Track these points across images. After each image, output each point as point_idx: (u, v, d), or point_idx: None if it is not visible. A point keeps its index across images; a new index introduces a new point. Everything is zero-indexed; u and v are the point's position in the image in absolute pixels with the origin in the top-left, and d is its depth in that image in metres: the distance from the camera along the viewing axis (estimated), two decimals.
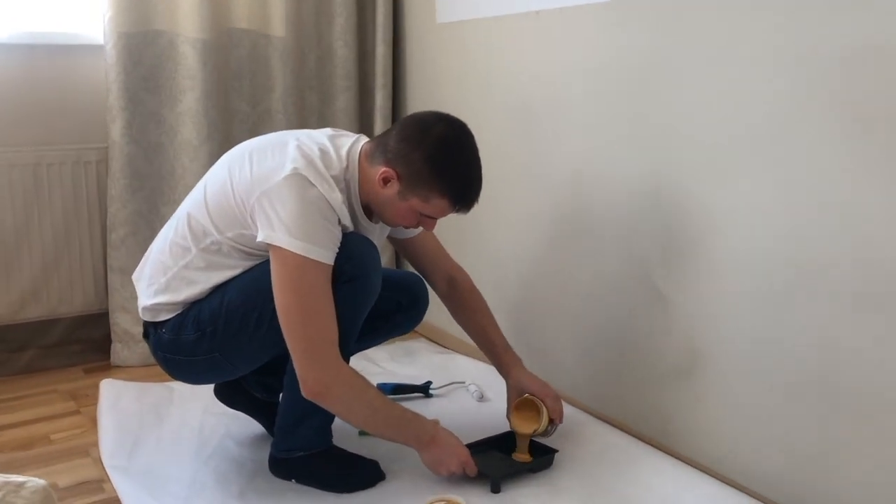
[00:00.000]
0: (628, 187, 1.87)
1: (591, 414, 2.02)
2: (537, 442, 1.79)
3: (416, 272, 1.94)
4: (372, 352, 2.22)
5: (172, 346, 1.66)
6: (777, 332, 1.57)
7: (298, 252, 1.48)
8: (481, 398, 2.15)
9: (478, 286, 1.94)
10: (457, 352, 2.49)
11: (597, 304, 2.01)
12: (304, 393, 1.53)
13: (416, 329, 2.73)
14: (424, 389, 2.18)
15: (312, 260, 1.49)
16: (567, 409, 1.90)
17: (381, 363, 2.40)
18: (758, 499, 1.61)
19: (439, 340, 2.61)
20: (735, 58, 1.59)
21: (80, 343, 2.45)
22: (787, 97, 1.50)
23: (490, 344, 1.90)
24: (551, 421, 1.78)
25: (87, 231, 2.43)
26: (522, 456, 1.77)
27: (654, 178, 1.80)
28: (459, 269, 1.94)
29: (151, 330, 1.70)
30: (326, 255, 1.52)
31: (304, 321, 1.50)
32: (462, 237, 2.38)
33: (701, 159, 1.69)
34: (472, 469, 1.66)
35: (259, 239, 1.52)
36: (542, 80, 2.11)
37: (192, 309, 1.63)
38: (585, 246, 2.02)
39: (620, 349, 1.95)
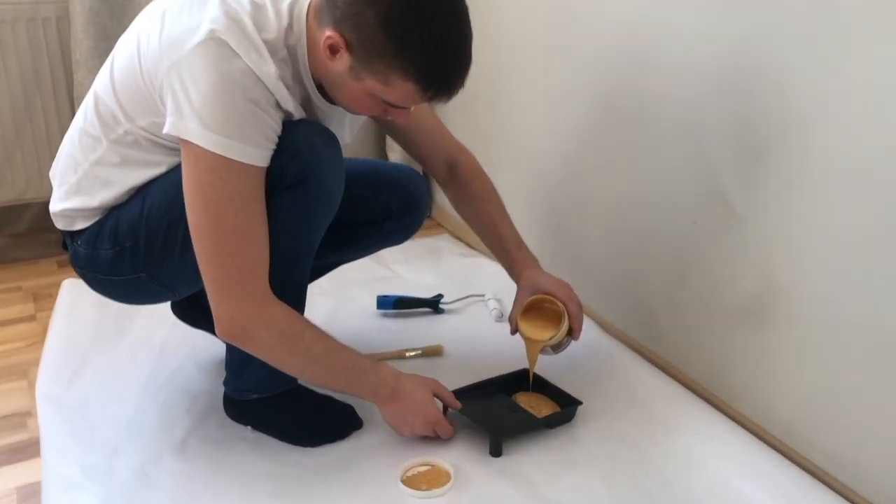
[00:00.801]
0: (698, 61, 1.37)
1: (630, 347, 1.62)
2: (558, 388, 1.42)
3: (411, 165, 1.53)
4: (386, 251, 1.84)
5: (90, 262, 1.33)
6: (880, 274, 1.12)
7: (212, 149, 1.09)
8: (500, 317, 1.76)
9: (500, 184, 1.54)
10: (485, 255, 2.09)
11: (648, 211, 1.55)
12: (217, 333, 1.19)
13: (440, 224, 2.36)
14: (434, 304, 1.81)
15: (233, 160, 1.10)
16: (598, 339, 1.50)
17: (391, 265, 2.04)
18: (830, 486, 1.22)
19: (466, 239, 2.21)
20: None
21: (54, 231, 2.14)
22: None
23: (498, 238, 1.50)
24: (570, 331, 1.40)
25: (53, 102, 2.09)
26: (533, 402, 1.40)
27: (734, 53, 1.30)
28: (463, 149, 1.53)
29: (68, 240, 1.37)
30: (254, 153, 1.12)
31: (216, 242, 1.14)
32: (478, 120, 1.93)
33: (800, 29, 1.18)
34: (447, 430, 1.32)
35: (165, 130, 1.13)
36: None
37: (110, 217, 1.29)
38: (636, 136, 1.55)
39: (674, 272, 1.51)
